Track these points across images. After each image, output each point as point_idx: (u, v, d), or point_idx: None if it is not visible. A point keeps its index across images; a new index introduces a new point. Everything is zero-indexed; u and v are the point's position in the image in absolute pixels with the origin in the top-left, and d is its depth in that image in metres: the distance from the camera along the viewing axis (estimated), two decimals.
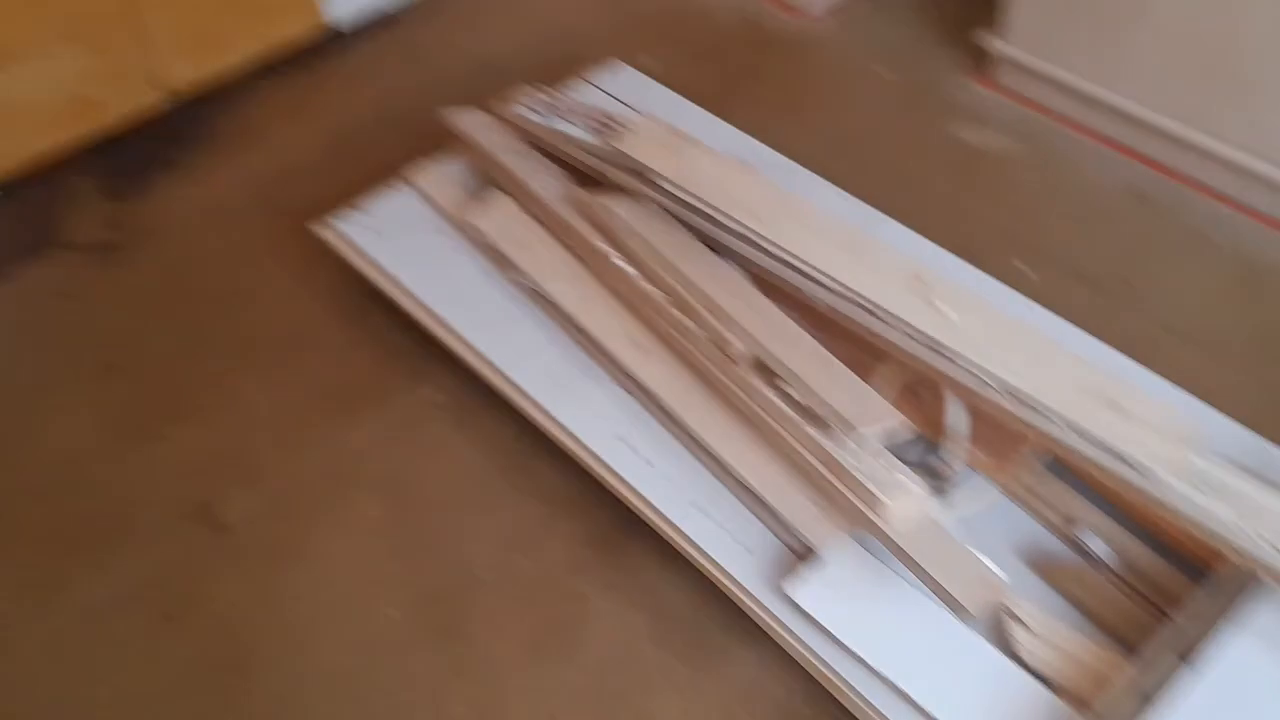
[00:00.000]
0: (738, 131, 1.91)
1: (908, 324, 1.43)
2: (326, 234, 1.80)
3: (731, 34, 2.37)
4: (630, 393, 1.56)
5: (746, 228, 1.53)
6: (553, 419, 1.54)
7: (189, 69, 2.17)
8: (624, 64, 2.04)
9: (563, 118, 1.75)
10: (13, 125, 2.00)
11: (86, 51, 2.02)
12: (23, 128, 2.02)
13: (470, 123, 1.84)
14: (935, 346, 1.41)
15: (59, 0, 1.95)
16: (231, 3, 2.17)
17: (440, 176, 1.85)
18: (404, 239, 1.77)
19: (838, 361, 1.45)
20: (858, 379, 1.43)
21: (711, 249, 1.59)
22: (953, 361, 1.40)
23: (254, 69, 2.27)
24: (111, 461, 1.67)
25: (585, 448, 1.50)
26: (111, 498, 1.62)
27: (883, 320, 1.45)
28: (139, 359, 1.80)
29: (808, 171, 1.83)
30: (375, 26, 2.41)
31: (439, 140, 1.93)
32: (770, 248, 1.51)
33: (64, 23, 1.97)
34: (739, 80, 2.23)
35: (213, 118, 2.21)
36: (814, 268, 1.49)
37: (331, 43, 2.36)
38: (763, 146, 1.88)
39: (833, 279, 1.48)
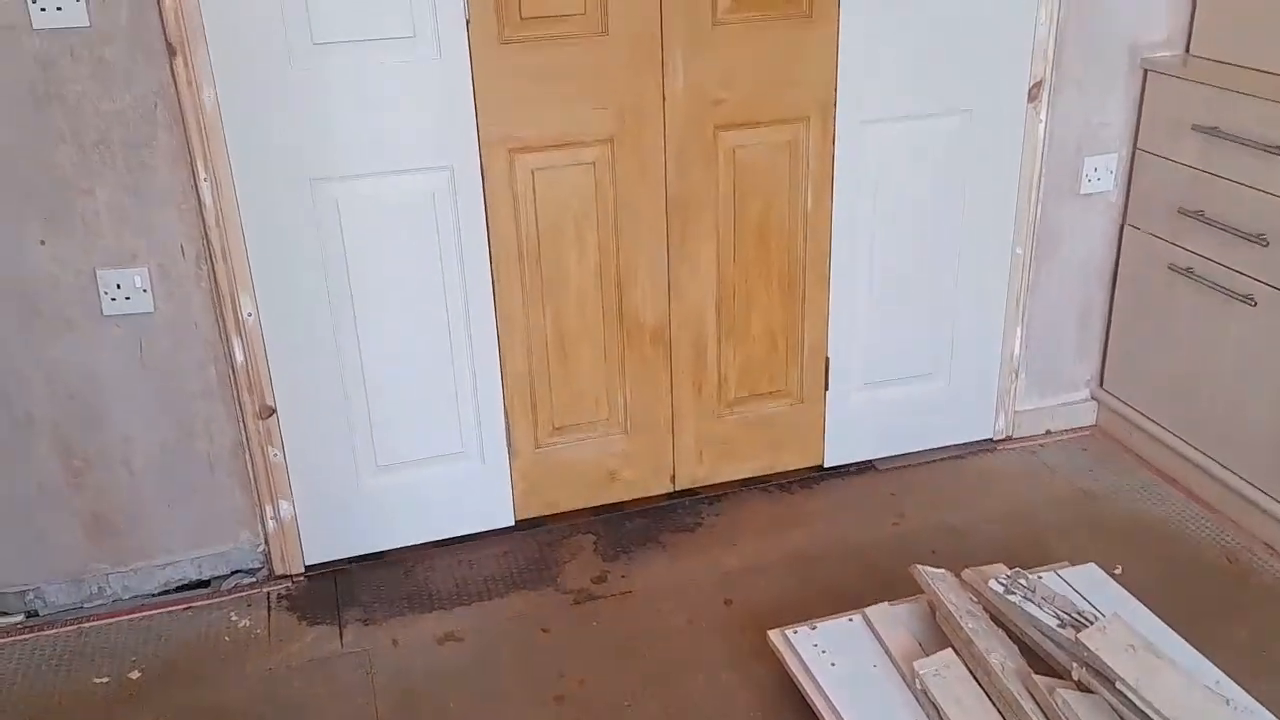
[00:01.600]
0: (1209, 664, 1.85)
1: None
2: (778, 640, 1.96)
3: (1210, 564, 2.33)
4: None
5: None
6: None
7: (700, 471, 2.57)
8: (1097, 567, 2.10)
9: (1031, 600, 1.82)
10: (555, 478, 2.46)
11: (631, 441, 2.49)
12: (562, 482, 2.47)
13: (936, 580, 1.96)
14: None
15: (633, 402, 2.45)
16: (756, 433, 2.58)
17: (893, 619, 1.97)
18: (846, 664, 1.89)
19: None
20: None
21: None
22: None
23: (747, 480, 2.62)
24: None
25: None
26: None
27: None
28: (584, 698, 2.01)
29: None
30: (855, 470, 2.68)
31: (895, 583, 2.07)
32: None
33: (624, 418, 2.48)
34: (1210, 615, 2.16)
35: (701, 511, 2.54)
36: None
37: (815, 475, 2.66)
38: (1237, 689, 1.79)
39: None
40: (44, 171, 1.96)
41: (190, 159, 2.01)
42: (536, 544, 2.45)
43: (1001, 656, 1.76)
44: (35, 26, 1.87)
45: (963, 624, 1.83)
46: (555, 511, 2.51)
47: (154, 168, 2.01)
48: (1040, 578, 2.00)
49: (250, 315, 2.14)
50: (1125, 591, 2.05)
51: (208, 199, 2.04)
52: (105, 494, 2.19)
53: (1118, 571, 2.23)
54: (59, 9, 1.87)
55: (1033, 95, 2.47)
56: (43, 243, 2.00)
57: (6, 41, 1.87)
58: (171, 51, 1.94)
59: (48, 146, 1.95)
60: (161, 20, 1.92)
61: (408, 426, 2.33)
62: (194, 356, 2.15)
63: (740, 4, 2.22)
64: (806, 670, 1.89)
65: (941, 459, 2.73)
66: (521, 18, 2.11)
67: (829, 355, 2.56)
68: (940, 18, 2.34)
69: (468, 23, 2.08)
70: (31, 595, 2.23)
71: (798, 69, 2.30)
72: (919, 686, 1.79)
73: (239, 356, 2.16)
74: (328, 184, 2.11)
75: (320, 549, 2.37)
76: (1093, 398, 2.82)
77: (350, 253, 2.17)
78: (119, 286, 2.05)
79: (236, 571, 2.34)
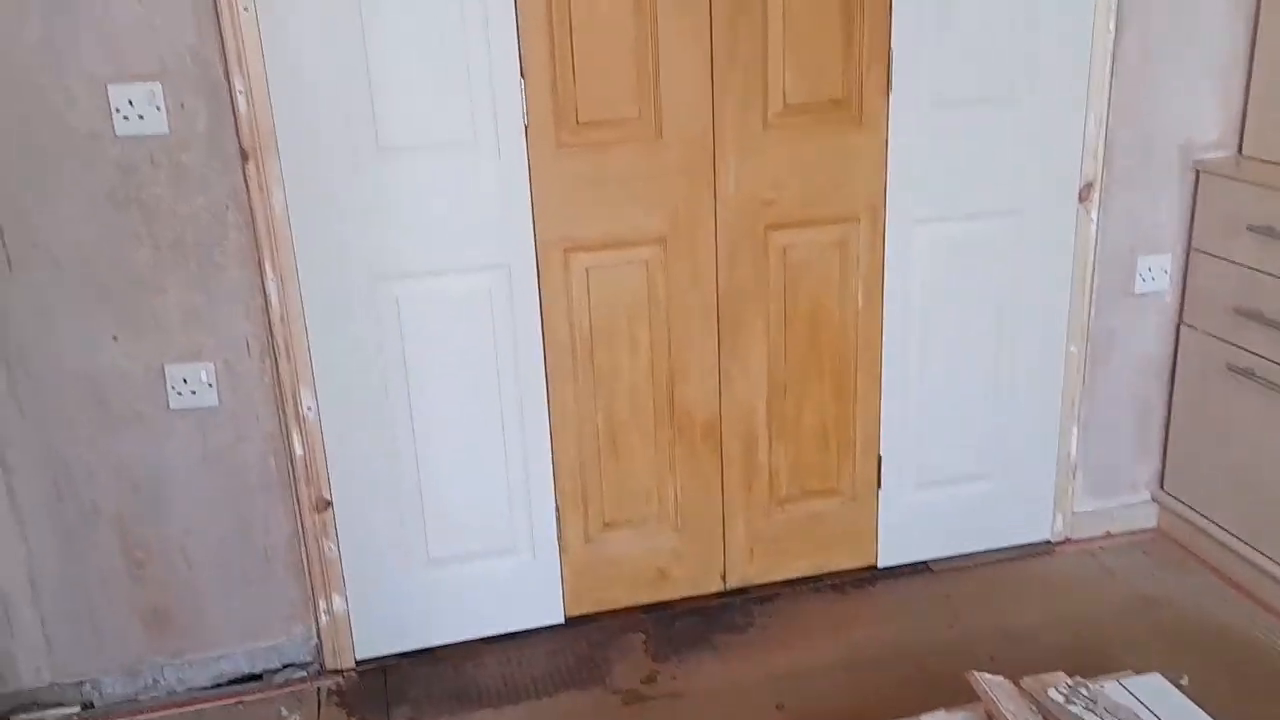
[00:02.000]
0: None
1: None
2: None
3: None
4: None
5: None
6: None
7: (751, 570, 2.55)
8: (1161, 676, 2.02)
9: (1093, 710, 1.76)
10: (606, 574, 2.46)
11: (681, 538, 2.49)
12: (611, 579, 2.47)
13: (994, 687, 1.91)
14: None
15: (683, 499, 2.45)
16: (808, 532, 2.56)
17: None
18: None
19: None
20: None
21: None
22: None
23: (799, 580, 2.58)
24: None
25: None
26: None
27: None
28: None
29: None
30: (910, 571, 2.64)
31: (951, 689, 2.01)
32: None
33: (675, 514, 2.48)
34: None
35: (752, 611, 2.51)
36: None
37: (869, 576, 2.62)
38: None
39: None
40: (121, 270, 2.04)
41: (258, 259, 2.08)
42: (586, 642, 2.43)
43: None
44: (118, 134, 1.97)
45: None
46: (605, 609, 2.49)
47: (224, 267, 2.08)
48: (1102, 687, 1.94)
49: (310, 409, 2.18)
50: (1191, 703, 1.97)
51: (273, 297, 2.10)
52: (164, 585, 2.22)
53: (1183, 681, 2.15)
54: (141, 117, 1.97)
55: (1083, 196, 2.48)
56: (115, 338, 2.07)
57: (90, 148, 1.97)
58: (245, 157, 2.03)
59: (125, 247, 2.03)
60: (237, 127, 2.01)
61: (460, 520, 2.35)
62: (255, 449, 2.19)
63: (791, 108, 2.28)
64: None
65: (998, 561, 2.67)
66: (578, 122, 2.18)
67: (881, 453, 2.55)
68: (989, 120, 2.38)
69: (526, 129, 2.15)
70: (89, 686, 2.25)
71: (848, 170, 2.34)
72: None
73: (298, 450, 2.20)
74: (389, 282, 2.17)
75: (371, 644, 2.37)
76: (1153, 499, 2.76)
77: (408, 348, 2.21)
78: (185, 381, 2.11)
79: (288, 665, 2.34)
